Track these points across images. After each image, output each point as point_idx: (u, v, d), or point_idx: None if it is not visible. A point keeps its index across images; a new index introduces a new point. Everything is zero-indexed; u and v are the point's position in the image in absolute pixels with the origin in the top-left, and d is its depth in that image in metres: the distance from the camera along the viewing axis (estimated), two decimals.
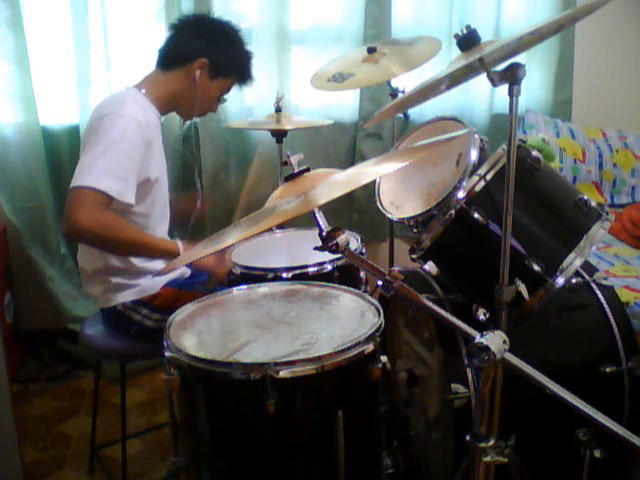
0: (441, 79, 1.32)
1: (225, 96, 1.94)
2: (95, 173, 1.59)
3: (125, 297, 1.81)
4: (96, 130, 1.65)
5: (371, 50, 2.17)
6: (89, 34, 2.58)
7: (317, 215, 1.17)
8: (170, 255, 1.70)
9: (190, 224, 1.95)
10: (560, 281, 1.40)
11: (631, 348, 1.58)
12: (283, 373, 1.14)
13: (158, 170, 1.80)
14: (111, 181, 1.59)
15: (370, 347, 1.23)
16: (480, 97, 3.03)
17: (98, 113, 1.70)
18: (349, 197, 2.96)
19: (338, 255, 1.13)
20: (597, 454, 1.47)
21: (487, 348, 0.97)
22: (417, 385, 1.72)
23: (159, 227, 1.87)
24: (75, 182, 1.59)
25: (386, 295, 1.10)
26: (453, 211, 1.40)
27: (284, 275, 1.70)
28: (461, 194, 1.40)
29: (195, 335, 1.33)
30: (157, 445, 2.24)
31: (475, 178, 1.40)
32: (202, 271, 1.88)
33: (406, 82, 2.24)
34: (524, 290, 1.34)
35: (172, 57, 1.84)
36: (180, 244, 1.72)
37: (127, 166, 1.64)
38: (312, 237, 1.14)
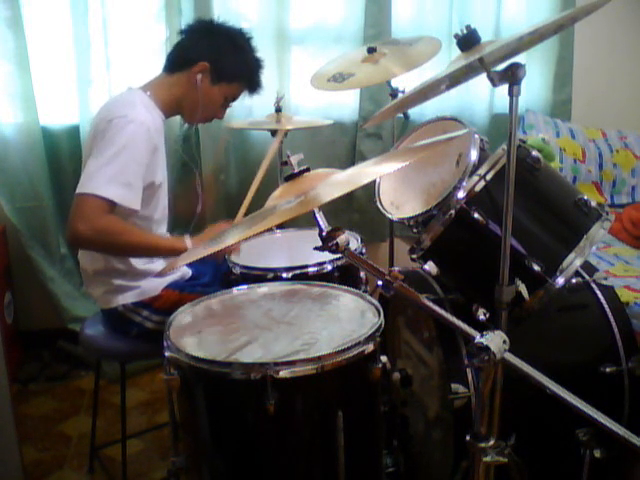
0: (441, 79, 1.32)
1: (231, 103, 1.91)
2: (101, 180, 1.57)
3: (126, 299, 1.80)
4: (104, 133, 1.63)
5: (371, 50, 2.17)
6: (89, 34, 2.58)
7: (317, 215, 1.17)
8: (178, 252, 1.69)
9: (191, 225, 1.94)
10: (560, 281, 1.40)
11: (631, 348, 1.58)
12: (283, 373, 1.14)
13: (162, 174, 1.79)
14: (117, 188, 1.58)
15: (370, 347, 1.23)
16: (480, 97, 3.03)
17: (106, 115, 1.67)
18: (349, 197, 2.95)
19: (338, 255, 1.13)
20: (597, 454, 1.47)
21: (487, 348, 0.97)
22: (411, 385, 1.72)
23: (159, 229, 1.87)
24: (80, 189, 1.58)
25: (386, 295, 1.10)
26: (453, 211, 1.40)
27: (284, 275, 1.71)
28: (461, 194, 1.40)
29: (195, 335, 1.33)
30: (157, 445, 2.24)
31: (475, 178, 1.40)
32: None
33: (406, 82, 2.24)
34: (524, 290, 1.34)
35: (176, 60, 1.84)
36: (188, 240, 1.71)
37: (134, 172, 1.62)
38: (312, 237, 1.13)
